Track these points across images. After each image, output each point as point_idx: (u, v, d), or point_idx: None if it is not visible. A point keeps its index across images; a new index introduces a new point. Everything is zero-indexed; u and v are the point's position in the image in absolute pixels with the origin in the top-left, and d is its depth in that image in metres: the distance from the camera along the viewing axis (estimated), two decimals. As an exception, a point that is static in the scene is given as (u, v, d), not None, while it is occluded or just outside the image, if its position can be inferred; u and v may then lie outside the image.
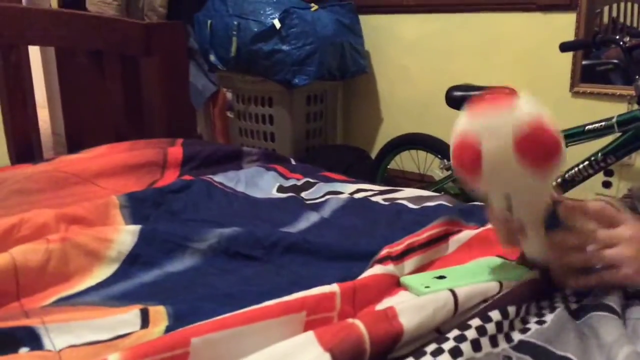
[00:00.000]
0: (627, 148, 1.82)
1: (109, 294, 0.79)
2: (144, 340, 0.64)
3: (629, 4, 2.27)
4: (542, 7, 2.44)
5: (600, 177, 2.29)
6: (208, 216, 1.10)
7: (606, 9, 2.31)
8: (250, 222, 1.10)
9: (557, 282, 0.73)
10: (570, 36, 2.34)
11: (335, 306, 0.68)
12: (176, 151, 1.42)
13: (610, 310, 0.64)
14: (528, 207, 0.71)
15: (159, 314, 0.70)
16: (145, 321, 0.69)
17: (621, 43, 1.77)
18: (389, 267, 0.78)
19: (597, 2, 2.31)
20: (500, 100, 0.66)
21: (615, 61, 2.32)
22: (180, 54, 1.80)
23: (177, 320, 0.69)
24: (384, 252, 0.82)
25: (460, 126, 0.69)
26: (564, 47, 1.95)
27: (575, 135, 1.91)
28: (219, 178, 1.30)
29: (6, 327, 0.70)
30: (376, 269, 0.77)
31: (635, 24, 2.29)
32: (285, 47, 2.54)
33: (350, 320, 0.61)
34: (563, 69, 2.41)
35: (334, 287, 0.70)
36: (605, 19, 2.32)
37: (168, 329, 0.66)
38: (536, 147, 0.65)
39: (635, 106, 1.80)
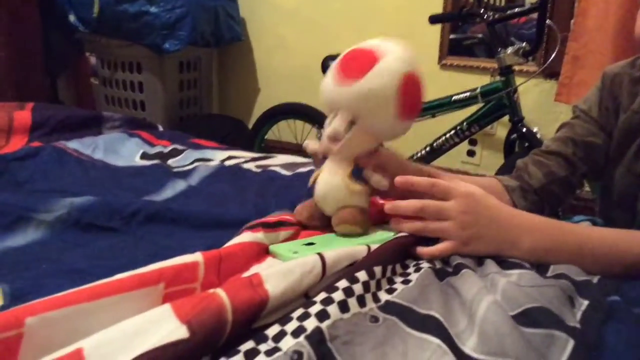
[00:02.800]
0: (490, 117, 1.92)
1: None
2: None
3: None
4: (415, -20, 2.49)
5: (465, 146, 2.42)
6: (59, 186, 0.99)
7: (472, -15, 2.41)
8: (109, 191, 1.00)
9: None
10: (438, 9, 2.42)
11: (198, 276, 0.63)
12: (24, 115, 1.27)
13: (468, 267, 0.66)
14: (360, 141, 0.77)
15: (-10, 294, 0.61)
16: (-26, 303, 0.59)
17: (485, 17, 1.85)
18: (258, 235, 0.74)
19: (463, -23, 2.40)
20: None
21: (480, 35, 2.44)
22: (29, 8, 1.61)
23: (14, 299, 0.60)
24: (257, 221, 0.77)
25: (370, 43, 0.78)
26: (433, 19, 2.01)
27: (443, 105, 1.99)
28: (73, 144, 1.18)
29: None
30: (244, 236, 0.73)
31: (499, 3, 2.42)
32: (153, 9, 2.38)
33: (212, 290, 0.56)
34: (432, 43, 2.49)
35: (197, 257, 0.64)
36: (471, -3, 2.43)
37: (2, 309, 0.57)
38: (414, 96, 0.74)
39: (498, 78, 1.90)
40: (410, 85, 0.75)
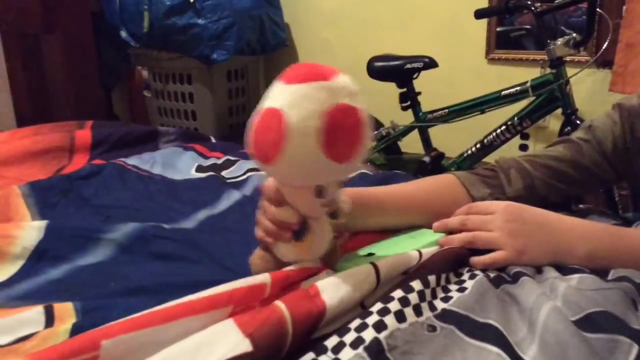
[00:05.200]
0: (541, 111, 1.88)
1: (11, 295, 0.72)
2: (49, 341, 0.59)
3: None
4: (457, -25, 2.46)
5: (517, 141, 2.37)
6: (122, 201, 1.03)
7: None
8: (168, 204, 1.04)
9: None
10: (484, 4, 2.38)
11: (264, 297, 0.65)
12: (85, 134, 1.33)
13: (526, 275, 0.65)
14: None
15: (66, 310, 0.65)
16: (50, 319, 0.63)
17: (532, 8, 1.81)
18: None
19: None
20: (314, 73, 0.59)
21: (528, 27, 2.39)
22: (85, 29, 1.68)
23: (86, 316, 0.64)
24: None
25: (269, 100, 0.59)
26: (479, 13, 1.98)
27: (493, 100, 1.96)
28: (132, 161, 1.23)
29: None
30: None
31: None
32: (200, 21, 2.44)
33: (275, 303, 0.57)
34: (479, 37, 2.45)
35: (266, 278, 0.66)
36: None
37: (75, 326, 0.61)
38: (342, 136, 0.58)
39: (548, 70, 1.85)
40: (334, 127, 0.58)
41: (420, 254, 0.69)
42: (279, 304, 0.56)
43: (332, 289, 0.59)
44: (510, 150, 2.37)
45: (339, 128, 0.57)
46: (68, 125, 1.38)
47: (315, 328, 0.57)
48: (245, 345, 0.51)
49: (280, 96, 0.58)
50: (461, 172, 0.89)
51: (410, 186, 0.88)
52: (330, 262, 0.72)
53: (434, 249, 0.71)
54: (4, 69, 1.84)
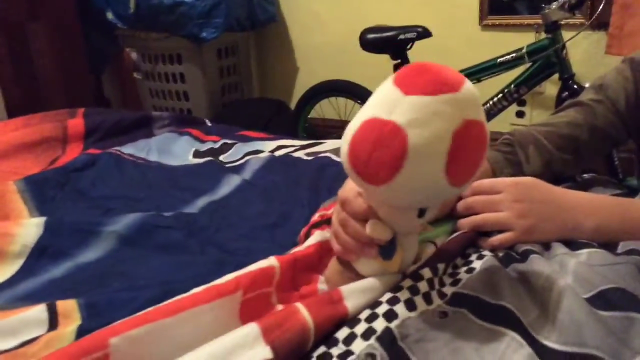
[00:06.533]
0: (538, 77, 1.86)
1: (12, 295, 0.71)
2: (55, 343, 0.58)
3: None
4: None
5: (514, 107, 2.35)
6: (120, 191, 1.02)
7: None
8: (167, 192, 1.03)
9: None
10: (475, -32, 2.34)
11: (273, 281, 0.64)
12: (77, 123, 1.31)
13: (535, 252, 0.64)
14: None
15: (70, 310, 0.64)
16: (53, 320, 0.62)
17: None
18: (326, 233, 0.74)
19: None
20: (440, 82, 0.49)
21: (521, -9, 2.35)
22: (70, 14, 1.64)
23: (91, 316, 0.63)
24: (317, 216, 0.78)
25: (378, 109, 0.51)
26: (472, -20, 1.94)
27: (489, 68, 1.94)
28: (128, 149, 1.21)
29: None
30: (316, 236, 0.73)
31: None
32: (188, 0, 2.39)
33: (295, 305, 0.56)
34: (471, 3, 2.41)
35: (272, 261, 0.65)
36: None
37: (81, 328, 0.60)
38: (467, 158, 0.52)
39: (543, 35, 1.83)
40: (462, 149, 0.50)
41: (435, 244, 0.68)
42: (301, 308, 0.55)
43: (356, 297, 0.58)
44: (507, 117, 2.35)
45: (465, 149, 0.50)
46: (59, 114, 1.35)
47: (334, 331, 0.56)
48: (266, 353, 0.51)
49: (399, 108, 0.49)
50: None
51: None
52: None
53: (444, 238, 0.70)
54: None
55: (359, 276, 0.62)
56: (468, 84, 0.51)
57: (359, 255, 0.62)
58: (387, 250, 0.59)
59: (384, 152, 0.49)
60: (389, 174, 0.49)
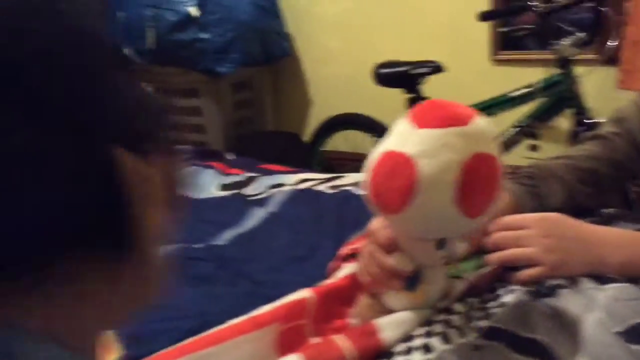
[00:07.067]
0: (552, 111, 1.89)
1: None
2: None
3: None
4: (456, -23, 2.47)
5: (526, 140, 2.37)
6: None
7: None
8: (194, 224, 1.05)
9: None
10: (484, 5, 2.39)
11: (308, 312, 0.66)
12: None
13: (564, 287, 0.66)
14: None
15: (109, 340, 0.65)
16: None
17: (538, 9, 1.82)
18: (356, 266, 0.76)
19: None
20: (450, 116, 0.53)
21: (531, 26, 2.39)
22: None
23: (131, 346, 0.65)
24: (346, 249, 0.80)
25: (393, 142, 0.54)
26: (484, 16, 1.98)
27: (502, 103, 1.97)
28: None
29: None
30: (347, 269, 0.75)
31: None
32: (205, 36, 2.45)
33: (333, 337, 0.59)
34: (482, 38, 2.46)
35: (306, 293, 0.67)
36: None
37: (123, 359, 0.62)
38: (478, 190, 0.54)
39: (555, 70, 1.86)
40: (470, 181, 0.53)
41: (464, 281, 0.69)
42: (340, 341, 0.58)
43: (391, 329, 0.59)
44: (519, 150, 2.37)
45: (475, 181, 0.52)
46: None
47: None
48: None
49: (410, 140, 0.52)
50: (511, 184, 0.84)
51: None
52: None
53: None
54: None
55: (388, 310, 0.64)
56: (479, 119, 0.54)
57: (385, 287, 0.64)
58: (411, 282, 0.62)
59: (396, 182, 0.52)
60: (401, 202, 0.52)
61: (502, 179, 0.55)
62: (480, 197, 0.54)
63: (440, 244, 0.59)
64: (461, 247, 0.64)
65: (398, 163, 0.52)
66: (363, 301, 0.68)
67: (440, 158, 0.51)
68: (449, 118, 0.53)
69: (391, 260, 0.61)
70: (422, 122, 0.53)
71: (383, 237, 0.62)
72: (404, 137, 0.53)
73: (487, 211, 0.55)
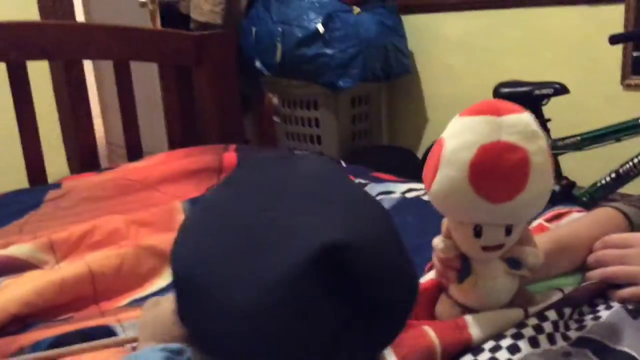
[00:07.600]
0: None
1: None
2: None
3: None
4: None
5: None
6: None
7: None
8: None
9: None
10: (618, 28, 2.28)
11: None
12: (231, 156, 1.47)
13: None
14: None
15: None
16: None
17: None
18: None
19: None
20: (487, 108, 0.59)
21: (669, 51, 2.26)
22: (229, 62, 1.85)
23: None
24: None
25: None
26: (614, 39, 1.91)
27: (630, 128, 1.87)
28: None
29: (86, 327, 0.75)
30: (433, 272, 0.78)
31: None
32: (329, 51, 2.57)
33: (423, 327, 0.62)
34: (613, 62, 2.35)
35: None
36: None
37: None
38: (495, 175, 0.58)
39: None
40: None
41: (563, 292, 0.70)
42: (429, 331, 0.61)
43: (481, 326, 0.61)
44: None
45: (493, 165, 0.55)
46: (216, 148, 1.53)
47: (458, 357, 0.60)
48: None
49: (451, 126, 0.61)
50: (623, 206, 0.83)
51: (582, 227, 0.80)
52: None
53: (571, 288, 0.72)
54: (159, 97, 2.07)
55: (467, 309, 0.66)
56: (520, 115, 0.57)
57: (444, 279, 0.68)
58: (461, 273, 0.65)
59: (431, 159, 0.61)
60: (431, 179, 0.60)
61: (535, 172, 0.56)
62: (500, 183, 0.56)
63: (476, 231, 0.61)
64: (498, 238, 0.62)
65: (437, 144, 0.61)
66: (443, 300, 0.72)
67: (462, 138, 0.57)
68: (485, 109, 0.58)
69: (440, 243, 0.66)
70: (465, 112, 0.60)
71: (443, 225, 0.67)
72: (450, 124, 0.61)
73: (511, 200, 0.57)
